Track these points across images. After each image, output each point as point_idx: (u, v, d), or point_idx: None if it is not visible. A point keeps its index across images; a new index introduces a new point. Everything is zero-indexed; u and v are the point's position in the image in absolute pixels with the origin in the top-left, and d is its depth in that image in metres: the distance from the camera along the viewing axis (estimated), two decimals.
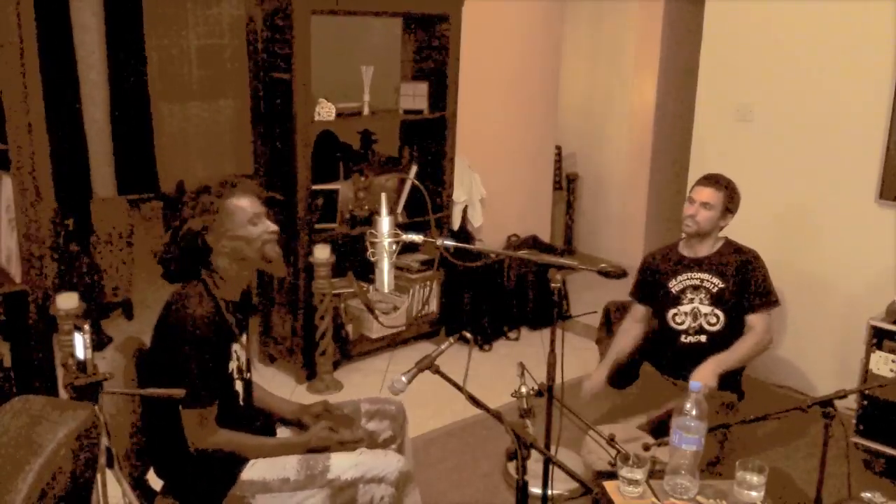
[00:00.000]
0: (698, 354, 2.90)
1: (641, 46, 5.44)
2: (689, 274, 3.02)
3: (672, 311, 3.03)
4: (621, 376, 3.07)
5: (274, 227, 2.08)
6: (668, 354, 3.06)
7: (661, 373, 3.07)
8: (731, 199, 2.96)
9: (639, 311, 3.18)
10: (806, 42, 3.62)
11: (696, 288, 3.00)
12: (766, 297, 2.96)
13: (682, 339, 3.02)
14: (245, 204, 2.04)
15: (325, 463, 2.02)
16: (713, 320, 2.97)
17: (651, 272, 3.14)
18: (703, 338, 2.98)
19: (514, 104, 4.87)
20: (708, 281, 2.98)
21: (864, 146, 3.46)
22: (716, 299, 2.97)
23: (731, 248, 3.02)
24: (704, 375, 2.72)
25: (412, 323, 4.25)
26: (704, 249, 3.02)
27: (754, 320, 2.94)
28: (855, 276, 3.57)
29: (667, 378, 3.04)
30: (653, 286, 3.12)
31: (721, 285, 2.96)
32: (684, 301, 3.01)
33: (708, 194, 2.94)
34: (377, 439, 2.33)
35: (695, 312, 3.00)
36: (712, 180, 2.98)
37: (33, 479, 1.42)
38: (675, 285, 3.03)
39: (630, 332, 3.17)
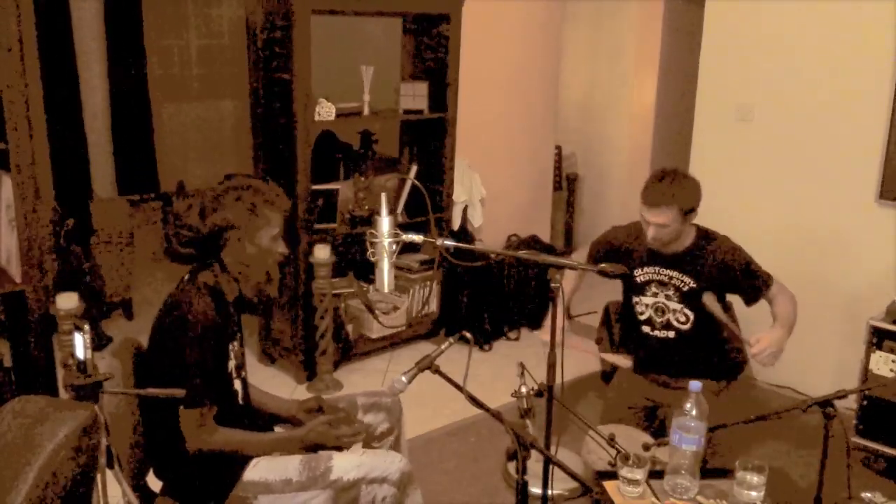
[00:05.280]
0: (669, 351, 2.88)
1: (641, 46, 5.45)
2: (658, 268, 2.87)
3: (634, 299, 2.94)
4: (608, 373, 3.06)
5: (286, 251, 2.12)
6: (638, 346, 3.01)
7: (640, 369, 3.03)
8: (685, 202, 2.70)
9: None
10: (806, 42, 3.62)
11: (663, 284, 2.87)
12: (762, 279, 2.82)
13: (647, 330, 2.93)
14: (278, 219, 2.07)
15: (327, 464, 2.02)
16: (682, 318, 2.87)
17: (615, 252, 2.96)
18: (671, 334, 2.90)
19: (514, 104, 4.86)
20: (678, 279, 2.85)
21: (864, 146, 3.46)
22: (686, 298, 2.85)
23: (703, 240, 2.85)
24: (777, 341, 2.62)
25: (412, 323, 4.25)
26: (676, 246, 2.84)
27: (772, 294, 2.81)
28: (855, 276, 3.57)
29: (647, 376, 3.00)
30: (614, 262, 2.81)
31: (693, 285, 2.82)
32: (647, 293, 2.90)
33: (656, 217, 2.70)
34: (374, 432, 2.33)
35: (659, 307, 2.89)
36: (657, 197, 2.69)
37: (33, 480, 1.42)
38: (640, 275, 2.90)
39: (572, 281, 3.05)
